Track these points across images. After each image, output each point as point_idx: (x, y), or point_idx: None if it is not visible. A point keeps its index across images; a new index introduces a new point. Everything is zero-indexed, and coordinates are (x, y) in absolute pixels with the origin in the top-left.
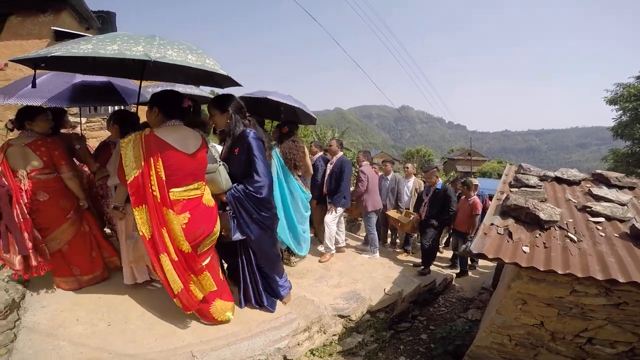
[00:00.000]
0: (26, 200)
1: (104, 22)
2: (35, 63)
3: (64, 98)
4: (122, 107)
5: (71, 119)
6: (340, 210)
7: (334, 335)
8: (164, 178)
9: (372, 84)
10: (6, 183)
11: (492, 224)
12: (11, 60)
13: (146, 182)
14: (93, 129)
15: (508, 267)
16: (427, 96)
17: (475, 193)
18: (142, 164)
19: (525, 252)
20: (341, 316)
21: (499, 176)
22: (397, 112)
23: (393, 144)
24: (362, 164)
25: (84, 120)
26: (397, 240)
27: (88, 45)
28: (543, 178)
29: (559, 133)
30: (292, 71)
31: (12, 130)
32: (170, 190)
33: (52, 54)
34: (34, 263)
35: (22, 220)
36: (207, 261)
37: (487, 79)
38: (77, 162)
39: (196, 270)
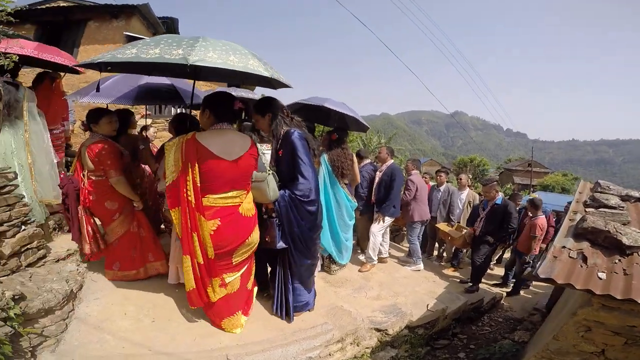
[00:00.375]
0: (83, 198)
1: (168, 28)
2: (100, 67)
3: (130, 97)
4: (184, 109)
5: (142, 121)
6: (388, 220)
7: (367, 348)
8: (199, 184)
9: (421, 89)
10: (75, 181)
11: (563, 247)
12: (75, 66)
13: (182, 187)
14: (157, 130)
15: (575, 292)
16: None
17: (541, 211)
18: (180, 168)
19: (601, 279)
20: (378, 330)
21: (563, 190)
22: (449, 118)
23: (443, 151)
24: (412, 173)
25: (149, 121)
26: (444, 254)
27: (133, 50)
28: (625, 198)
29: (637, 144)
30: (338, 74)
31: (85, 131)
32: (206, 196)
33: (99, 60)
34: (87, 251)
35: (83, 215)
36: (242, 270)
37: (554, 83)
38: (141, 163)
39: (214, 274)
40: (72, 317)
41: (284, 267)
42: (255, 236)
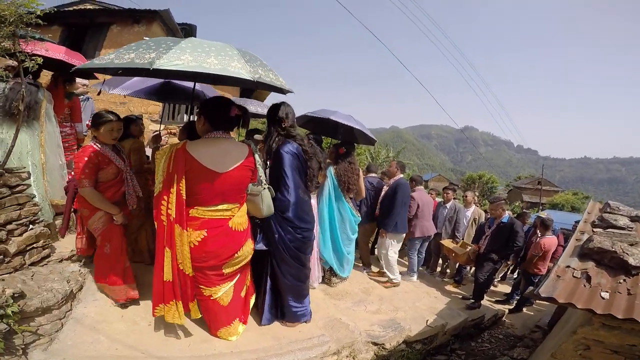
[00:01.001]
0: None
1: (187, 34)
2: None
3: (154, 93)
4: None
5: (155, 126)
6: (394, 237)
7: None
8: (184, 197)
9: (431, 103)
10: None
11: (567, 267)
12: (73, 70)
13: (163, 199)
14: (169, 135)
15: (576, 311)
16: (496, 116)
17: (551, 230)
18: (165, 179)
19: (603, 298)
20: (375, 343)
21: (573, 209)
22: (459, 133)
23: (452, 166)
24: (415, 189)
25: (162, 127)
26: (448, 271)
27: (110, 56)
28: (635, 219)
29: None
30: (348, 86)
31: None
32: (194, 208)
33: (80, 68)
34: (77, 245)
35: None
36: (235, 280)
37: (567, 99)
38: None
39: (188, 297)
40: (69, 317)
41: (270, 274)
42: (247, 249)
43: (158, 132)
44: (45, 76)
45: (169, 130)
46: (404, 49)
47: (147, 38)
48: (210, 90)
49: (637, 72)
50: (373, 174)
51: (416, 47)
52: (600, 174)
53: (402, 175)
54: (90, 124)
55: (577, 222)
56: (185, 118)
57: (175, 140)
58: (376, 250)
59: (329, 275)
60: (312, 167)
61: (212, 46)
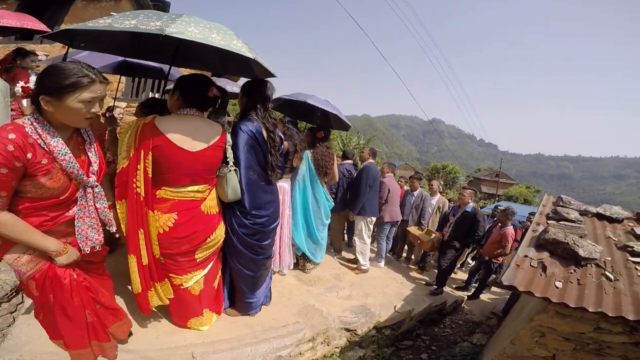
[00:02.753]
0: None
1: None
2: (70, 41)
3: (110, 66)
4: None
5: (114, 103)
6: (361, 219)
7: (337, 347)
8: (150, 175)
9: (403, 94)
10: None
11: (525, 256)
12: (42, 36)
13: (131, 176)
14: (132, 114)
15: (532, 298)
16: (463, 111)
17: (511, 222)
18: (132, 154)
19: (557, 287)
20: (347, 330)
21: (525, 201)
22: (427, 125)
23: (418, 156)
24: (386, 175)
25: (124, 104)
26: (413, 257)
27: (107, 20)
28: (583, 213)
29: (596, 162)
30: (320, 70)
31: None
32: (162, 188)
33: (71, 28)
34: None
35: None
36: (207, 268)
37: (527, 98)
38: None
39: (158, 277)
40: (22, 310)
41: (225, 257)
42: (219, 232)
43: (112, 113)
44: None
45: (124, 109)
46: (381, 40)
47: (114, 14)
48: (175, 71)
49: (598, 75)
50: (349, 161)
51: (393, 38)
52: (551, 170)
53: (372, 161)
54: (33, 89)
55: (532, 213)
56: (151, 95)
57: (133, 119)
58: (349, 236)
59: (303, 261)
60: (297, 149)
61: (209, 24)
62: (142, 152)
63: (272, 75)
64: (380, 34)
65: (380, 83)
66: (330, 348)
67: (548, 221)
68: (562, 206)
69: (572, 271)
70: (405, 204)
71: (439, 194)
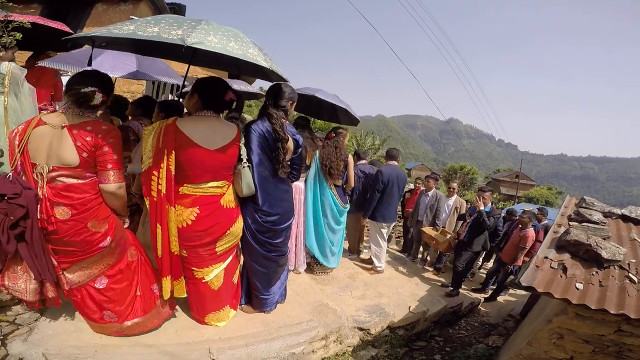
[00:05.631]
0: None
1: (175, 14)
2: (93, 42)
3: (131, 72)
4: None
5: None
6: (373, 225)
7: (349, 346)
8: (173, 173)
9: (418, 93)
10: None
11: (545, 257)
12: (65, 39)
13: (153, 175)
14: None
15: (551, 300)
16: (481, 110)
17: (531, 224)
18: (155, 154)
19: (578, 289)
20: (360, 329)
21: (546, 203)
22: (444, 124)
23: (435, 157)
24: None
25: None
26: (428, 258)
27: (130, 27)
28: (607, 215)
29: (623, 163)
30: (334, 70)
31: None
32: (184, 185)
33: (93, 34)
34: (51, 295)
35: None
36: (227, 262)
37: (549, 97)
38: None
39: (172, 272)
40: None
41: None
42: (238, 225)
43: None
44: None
45: None
46: (396, 40)
47: (134, 17)
48: (174, 73)
49: (617, 74)
50: (363, 161)
51: (408, 39)
52: (574, 171)
53: (395, 164)
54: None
55: (541, 209)
56: (171, 97)
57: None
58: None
59: (313, 263)
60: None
61: (228, 31)
62: (166, 151)
63: (285, 81)
64: (394, 34)
65: (395, 83)
66: (342, 347)
67: (570, 223)
68: (585, 207)
69: (593, 273)
70: (419, 204)
71: (455, 195)
